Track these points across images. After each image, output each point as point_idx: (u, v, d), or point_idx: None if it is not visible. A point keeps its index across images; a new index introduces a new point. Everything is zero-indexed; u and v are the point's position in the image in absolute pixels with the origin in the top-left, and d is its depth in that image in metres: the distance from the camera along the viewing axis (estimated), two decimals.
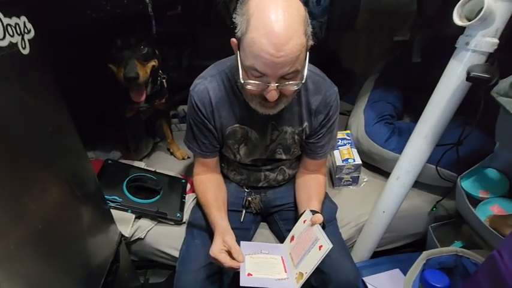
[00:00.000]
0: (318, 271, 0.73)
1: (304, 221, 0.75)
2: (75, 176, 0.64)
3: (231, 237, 0.72)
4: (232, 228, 0.77)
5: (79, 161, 0.69)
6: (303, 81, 0.68)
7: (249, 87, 0.67)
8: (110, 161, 1.10)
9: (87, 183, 0.71)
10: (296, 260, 0.70)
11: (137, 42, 0.99)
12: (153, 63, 1.06)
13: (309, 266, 0.65)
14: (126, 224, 0.96)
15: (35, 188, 0.52)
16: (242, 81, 0.67)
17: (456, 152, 0.96)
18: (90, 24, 1.01)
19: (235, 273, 0.86)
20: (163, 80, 1.19)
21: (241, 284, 0.62)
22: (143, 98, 1.06)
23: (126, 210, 0.97)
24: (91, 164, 0.73)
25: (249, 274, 0.65)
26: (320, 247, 0.65)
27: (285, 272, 0.69)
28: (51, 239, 0.56)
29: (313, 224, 0.71)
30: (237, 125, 0.84)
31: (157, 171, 1.18)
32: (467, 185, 0.96)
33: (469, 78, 0.71)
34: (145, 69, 1.02)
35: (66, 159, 0.62)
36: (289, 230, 0.81)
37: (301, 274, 0.66)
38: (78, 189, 0.65)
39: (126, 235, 0.95)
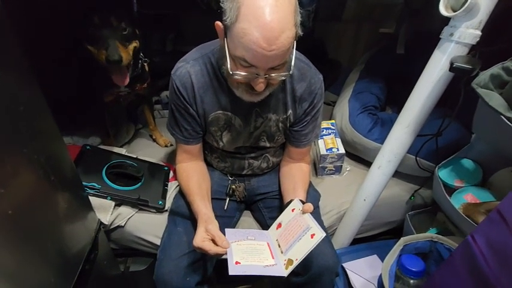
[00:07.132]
0: None
1: (293, 210, 0.75)
2: (49, 159, 0.60)
3: (214, 226, 0.70)
4: (216, 216, 0.76)
5: (53, 144, 0.65)
6: (291, 72, 0.67)
7: (236, 77, 0.66)
8: (88, 147, 1.05)
9: (63, 168, 0.67)
10: (284, 246, 0.70)
11: (117, 20, 0.93)
12: (135, 44, 1.01)
13: (299, 253, 0.66)
14: (105, 211, 0.93)
15: (4, 170, 0.48)
16: (230, 72, 0.65)
17: (435, 143, 0.99)
18: None
19: (218, 261, 0.86)
20: (145, 64, 1.14)
21: (230, 273, 0.62)
22: (127, 81, 1.01)
23: (106, 197, 0.93)
24: (67, 148, 0.69)
25: (237, 262, 0.65)
26: (312, 235, 0.66)
27: (272, 258, 0.69)
28: (23, 225, 0.53)
29: (304, 213, 0.71)
30: (220, 111, 0.82)
31: (139, 157, 1.15)
32: (444, 174, 1.00)
33: (452, 68, 0.72)
34: (127, 50, 0.97)
35: (39, 142, 0.58)
36: (273, 218, 0.81)
37: (290, 260, 0.66)
38: (53, 174, 0.61)
39: (105, 223, 0.92)
